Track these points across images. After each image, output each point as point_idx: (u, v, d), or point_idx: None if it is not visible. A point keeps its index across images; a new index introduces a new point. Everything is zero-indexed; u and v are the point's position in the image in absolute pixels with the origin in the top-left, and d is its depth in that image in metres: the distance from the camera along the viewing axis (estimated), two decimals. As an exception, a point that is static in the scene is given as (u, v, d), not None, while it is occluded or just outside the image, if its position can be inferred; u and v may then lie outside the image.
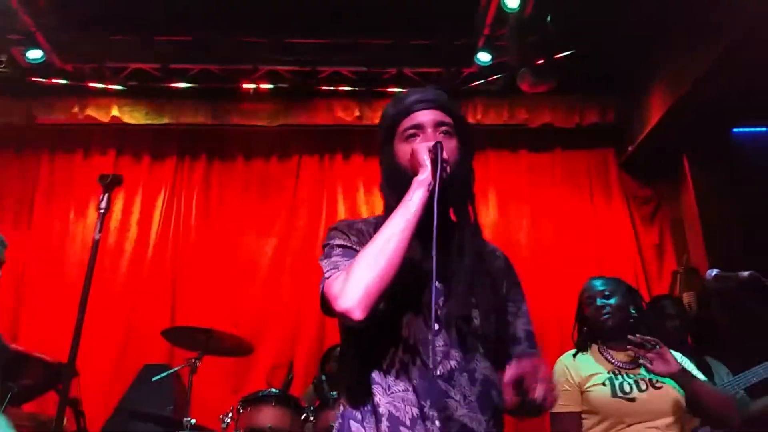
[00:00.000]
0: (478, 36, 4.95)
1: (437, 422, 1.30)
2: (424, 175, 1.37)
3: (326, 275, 1.39)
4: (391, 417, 1.32)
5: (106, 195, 1.79)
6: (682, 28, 4.45)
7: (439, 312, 1.38)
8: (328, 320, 4.97)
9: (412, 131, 1.48)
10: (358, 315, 1.27)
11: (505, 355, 1.46)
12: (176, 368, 3.75)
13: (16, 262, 5.07)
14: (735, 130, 4.99)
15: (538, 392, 1.24)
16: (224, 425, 3.47)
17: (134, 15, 4.91)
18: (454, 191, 1.42)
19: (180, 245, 5.26)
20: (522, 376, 1.26)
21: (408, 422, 1.31)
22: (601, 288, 2.49)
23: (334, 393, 3.73)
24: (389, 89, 5.42)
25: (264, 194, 5.49)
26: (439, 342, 1.37)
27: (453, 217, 1.51)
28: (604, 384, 2.27)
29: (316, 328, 4.93)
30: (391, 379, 1.35)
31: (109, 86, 5.26)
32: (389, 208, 1.43)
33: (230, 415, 3.47)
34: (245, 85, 5.33)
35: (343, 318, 1.30)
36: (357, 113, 5.45)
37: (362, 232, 1.49)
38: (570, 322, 2.63)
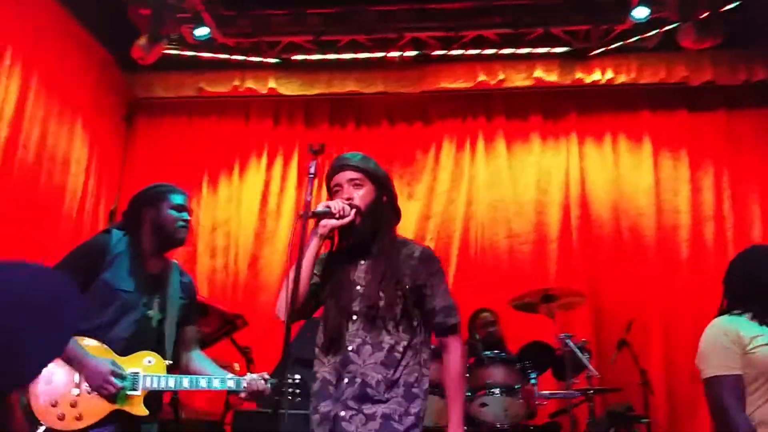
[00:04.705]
0: (634, -10, 4.70)
1: (346, 379, 2.01)
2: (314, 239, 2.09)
3: None
4: (324, 379, 2.06)
5: (314, 162, 2.07)
6: None
7: (354, 308, 2.06)
8: (469, 285, 5.08)
9: (336, 188, 2.17)
10: (281, 317, 2.02)
11: (428, 324, 2.13)
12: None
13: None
14: None
15: None
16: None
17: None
18: (370, 220, 2.10)
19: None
20: None
21: (334, 381, 2.03)
22: None
23: (488, 352, 3.87)
24: (536, 50, 5.32)
25: (408, 158, 5.65)
26: (354, 327, 2.05)
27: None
28: None
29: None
30: (328, 355, 2.08)
31: (266, 60, 5.62)
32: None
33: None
34: (390, 53, 5.46)
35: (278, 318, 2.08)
36: (501, 76, 5.42)
37: (321, 261, 2.20)
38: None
